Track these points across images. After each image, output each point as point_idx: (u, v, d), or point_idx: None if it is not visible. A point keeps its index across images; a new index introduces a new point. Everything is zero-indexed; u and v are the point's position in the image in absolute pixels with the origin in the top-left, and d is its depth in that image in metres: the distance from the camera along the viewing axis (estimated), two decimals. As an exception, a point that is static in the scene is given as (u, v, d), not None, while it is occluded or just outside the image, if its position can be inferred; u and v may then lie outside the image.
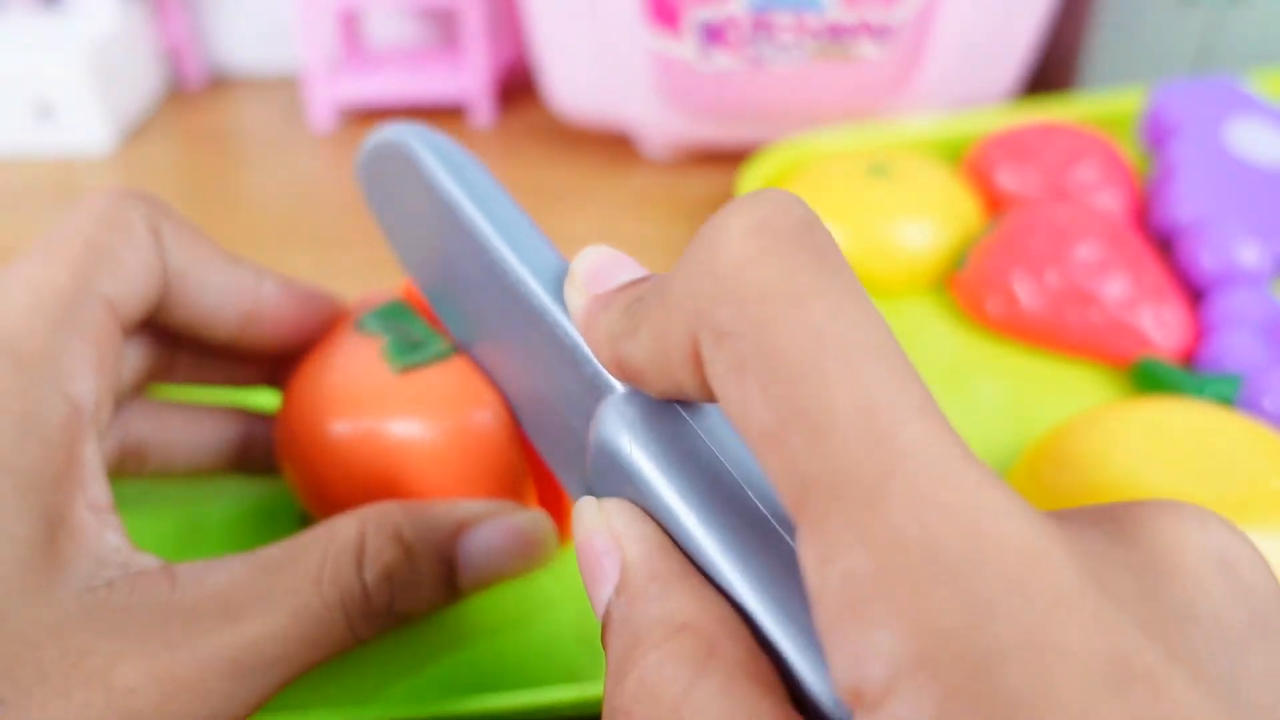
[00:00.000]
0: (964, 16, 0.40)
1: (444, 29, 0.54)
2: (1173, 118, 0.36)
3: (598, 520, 0.15)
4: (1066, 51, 0.46)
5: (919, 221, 0.35)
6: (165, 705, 0.16)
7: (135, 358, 0.23)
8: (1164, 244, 0.34)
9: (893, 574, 0.11)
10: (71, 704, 0.16)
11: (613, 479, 0.16)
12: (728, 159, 0.45)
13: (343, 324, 0.24)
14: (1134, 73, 0.45)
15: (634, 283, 0.16)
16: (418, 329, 0.23)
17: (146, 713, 0.16)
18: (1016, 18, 0.42)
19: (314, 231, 0.41)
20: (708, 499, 0.14)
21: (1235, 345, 0.29)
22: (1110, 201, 0.36)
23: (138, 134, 0.49)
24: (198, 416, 0.24)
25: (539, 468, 0.23)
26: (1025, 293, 0.32)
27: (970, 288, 0.34)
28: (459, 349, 0.22)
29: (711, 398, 0.14)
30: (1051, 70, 0.48)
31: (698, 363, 0.13)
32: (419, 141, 0.20)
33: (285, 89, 0.53)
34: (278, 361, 0.25)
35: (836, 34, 0.40)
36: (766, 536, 0.14)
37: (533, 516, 0.21)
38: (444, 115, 0.50)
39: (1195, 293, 0.32)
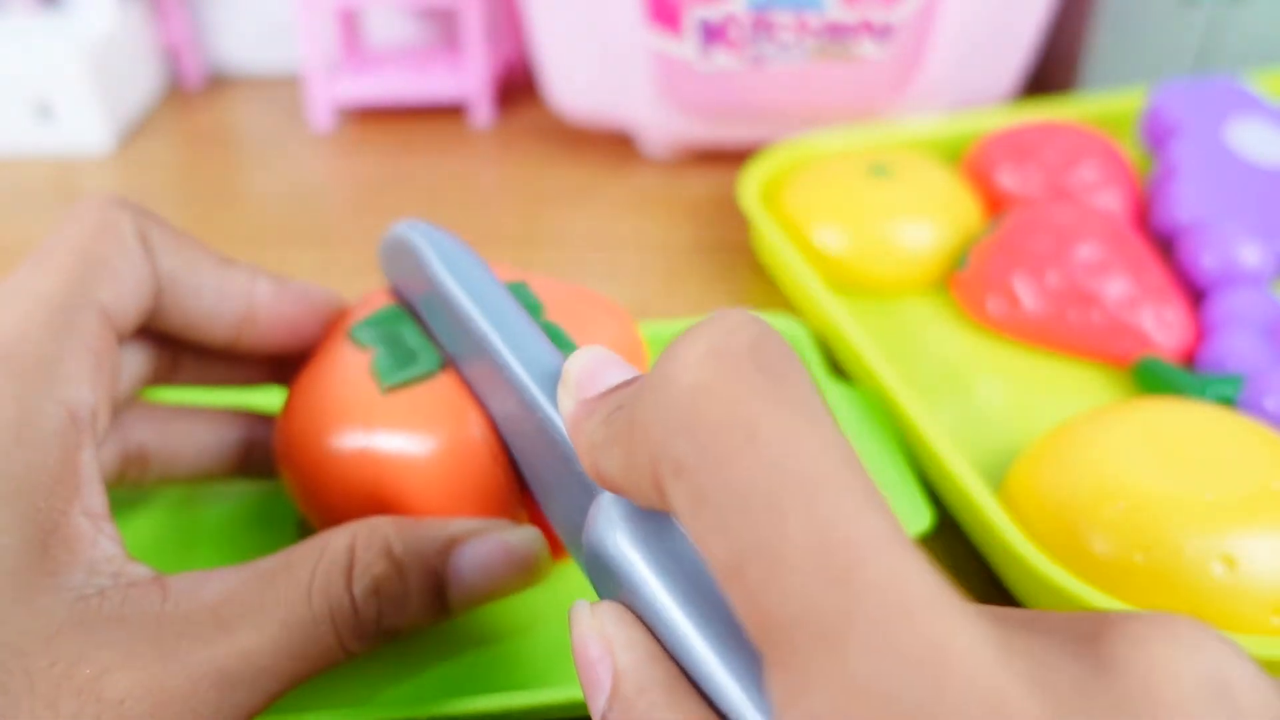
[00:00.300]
0: (964, 16, 0.40)
1: (444, 28, 0.54)
2: (1173, 117, 0.36)
3: (591, 625, 0.15)
4: (1067, 51, 0.46)
5: (919, 221, 0.35)
6: (156, 715, 0.16)
7: (135, 362, 0.23)
8: (1165, 244, 0.34)
9: None
10: (60, 715, 0.16)
11: (606, 579, 0.16)
12: (728, 159, 0.45)
13: (339, 330, 0.24)
14: (1135, 73, 0.45)
15: (619, 387, 0.16)
16: (410, 338, 0.22)
17: None
18: (1017, 17, 0.42)
19: (314, 231, 0.41)
20: (697, 606, 0.14)
21: (1236, 345, 0.29)
22: (1111, 201, 0.36)
23: (137, 134, 0.49)
24: (199, 421, 0.24)
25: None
26: (1026, 293, 0.32)
27: (971, 288, 0.33)
28: (448, 363, 0.22)
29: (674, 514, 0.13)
30: (1052, 70, 0.48)
31: (662, 490, 0.13)
32: (422, 239, 0.22)
33: (285, 88, 0.53)
34: (282, 360, 0.25)
35: (837, 33, 0.40)
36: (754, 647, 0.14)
37: (525, 534, 0.20)
38: (444, 115, 0.50)
39: (1196, 293, 0.32)
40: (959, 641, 0.11)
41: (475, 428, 0.21)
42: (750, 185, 0.38)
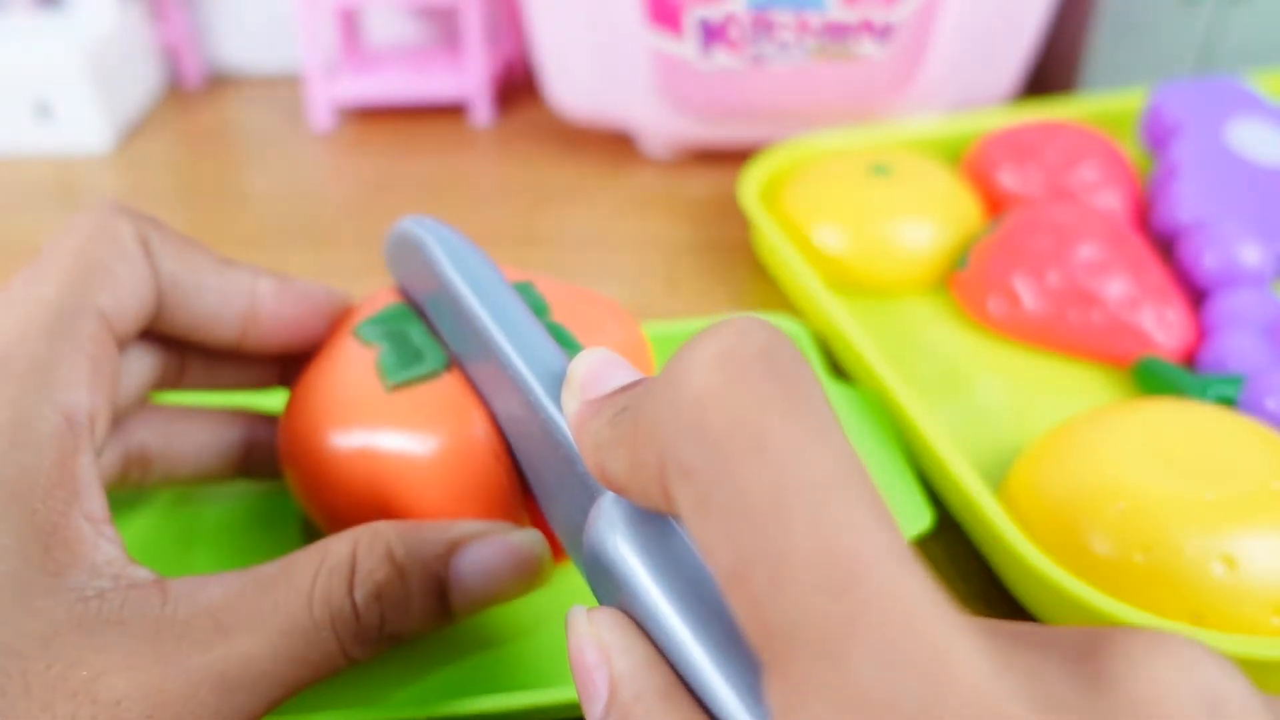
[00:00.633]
0: (965, 16, 0.40)
1: (444, 28, 0.54)
2: (1174, 117, 0.36)
3: (587, 631, 0.15)
4: (1067, 51, 0.46)
5: (919, 221, 0.35)
6: (153, 718, 0.16)
7: (139, 367, 0.23)
8: (1165, 244, 0.34)
9: None
10: (56, 716, 0.16)
11: (605, 582, 0.16)
12: (728, 159, 0.45)
13: (344, 328, 0.24)
14: (1135, 73, 0.45)
15: (625, 388, 0.16)
16: (416, 336, 0.22)
17: None
18: (1017, 17, 0.42)
19: (314, 231, 0.41)
20: (696, 612, 0.14)
21: (1237, 346, 0.29)
22: (1112, 201, 0.36)
23: (137, 133, 0.49)
24: (201, 421, 0.24)
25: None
26: (1026, 293, 0.32)
27: (971, 288, 0.33)
28: (454, 362, 0.22)
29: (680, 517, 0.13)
30: (1052, 70, 0.48)
31: (668, 492, 0.13)
32: (429, 235, 0.21)
33: (285, 88, 0.53)
34: (288, 362, 0.25)
35: (837, 33, 0.40)
36: (752, 653, 0.14)
37: (527, 536, 0.20)
38: (444, 114, 0.50)
39: (1197, 293, 0.32)
40: (959, 654, 0.11)
41: (479, 428, 0.21)
42: (750, 185, 0.37)
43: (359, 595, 0.18)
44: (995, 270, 0.33)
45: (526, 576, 0.20)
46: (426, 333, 0.23)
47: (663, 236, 0.41)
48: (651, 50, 0.40)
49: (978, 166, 0.38)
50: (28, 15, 0.48)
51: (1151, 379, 0.30)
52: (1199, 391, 0.28)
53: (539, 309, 0.23)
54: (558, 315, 0.23)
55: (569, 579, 0.24)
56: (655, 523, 0.15)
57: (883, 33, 0.40)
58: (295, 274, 0.38)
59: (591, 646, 0.15)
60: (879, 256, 0.35)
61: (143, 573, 0.18)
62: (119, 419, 0.23)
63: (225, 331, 0.22)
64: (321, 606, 0.18)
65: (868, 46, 0.40)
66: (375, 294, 0.24)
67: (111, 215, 0.21)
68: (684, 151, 0.46)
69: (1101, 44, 0.45)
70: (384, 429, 0.21)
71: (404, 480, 0.21)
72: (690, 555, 0.15)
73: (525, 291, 0.23)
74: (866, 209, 0.35)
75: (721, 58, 0.40)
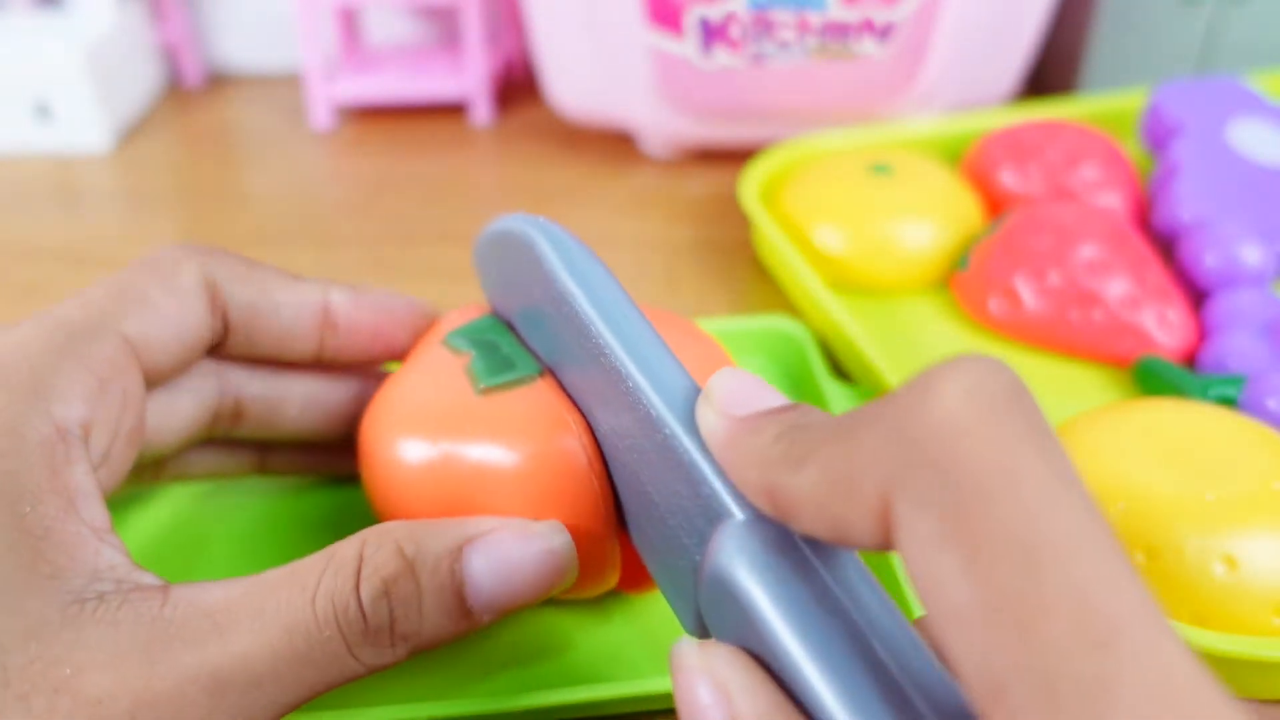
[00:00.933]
0: (965, 15, 0.40)
1: (444, 28, 0.54)
2: (1175, 117, 0.36)
3: (700, 665, 0.14)
4: (1068, 51, 0.46)
5: (920, 221, 0.35)
6: (135, 716, 0.16)
7: (200, 395, 0.23)
8: (1166, 244, 0.34)
9: None
10: (31, 709, 0.16)
11: (726, 612, 0.15)
12: (728, 159, 0.45)
13: (432, 338, 0.23)
14: (1136, 73, 0.45)
15: (781, 409, 0.15)
16: (506, 346, 0.22)
17: None
18: (1018, 17, 0.42)
19: (314, 231, 0.41)
20: (834, 652, 0.13)
21: (1238, 346, 0.29)
22: (1112, 201, 0.36)
23: (136, 133, 0.49)
24: (308, 377, 0.24)
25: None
26: (1027, 293, 0.32)
27: (972, 288, 0.33)
28: (547, 372, 0.21)
29: (880, 547, 0.13)
30: (1053, 70, 0.48)
31: (883, 519, 0.13)
32: (542, 235, 0.20)
33: (284, 87, 0.53)
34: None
35: (837, 32, 0.40)
36: (898, 702, 0.13)
37: (545, 527, 0.19)
38: (444, 114, 0.50)
39: (1197, 293, 0.32)
40: None
41: (572, 437, 0.20)
42: (750, 185, 0.37)
43: (365, 592, 0.17)
44: (996, 270, 0.33)
45: (547, 573, 0.19)
46: (517, 343, 0.22)
47: (663, 236, 0.40)
48: (651, 50, 0.40)
49: (978, 166, 0.38)
50: (27, 15, 0.48)
51: (1152, 379, 0.30)
52: (1200, 392, 0.28)
53: None
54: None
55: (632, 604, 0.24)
56: (792, 552, 0.15)
57: (883, 32, 0.40)
58: (295, 273, 0.38)
59: (706, 684, 0.14)
60: (879, 256, 0.35)
61: (147, 578, 0.18)
62: (135, 440, 0.23)
63: (304, 344, 0.23)
64: (325, 603, 0.17)
65: (868, 46, 0.40)
66: (463, 307, 0.24)
67: (173, 252, 0.22)
68: (684, 151, 0.46)
69: (1102, 44, 0.45)
70: (472, 434, 0.20)
71: (490, 488, 0.20)
72: (831, 591, 0.14)
73: None
74: (867, 209, 0.35)
75: (722, 57, 0.40)
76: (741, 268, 0.38)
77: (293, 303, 0.23)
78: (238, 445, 0.25)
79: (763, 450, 0.15)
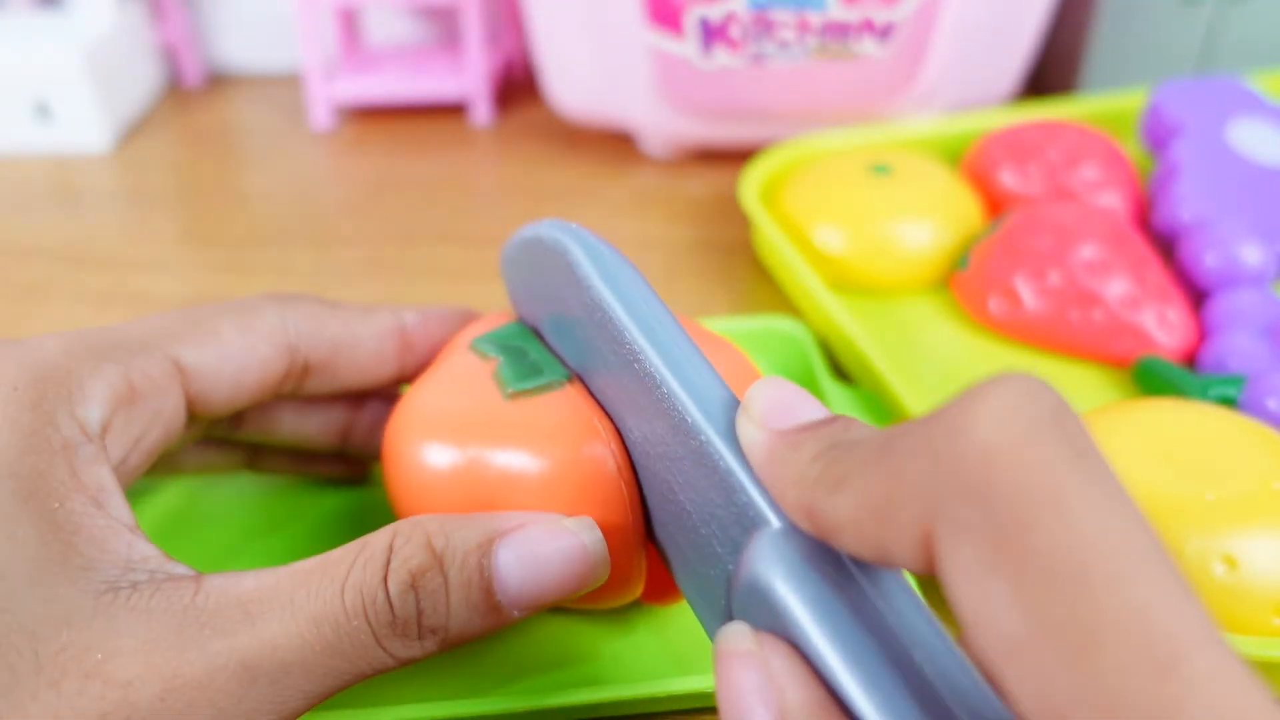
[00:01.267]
0: (965, 15, 0.40)
1: (444, 28, 0.54)
2: (1175, 117, 0.36)
3: (752, 651, 0.14)
4: (1068, 51, 0.46)
5: (920, 221, 0.35)
6: (166, 700, 0.16)
7: (321, 418, 0.25)
8: (1166, 244, 0.34)
9: None
10: (62, 694, 0.16)
11: (762, 620, 0.15)
12: (728, 158, 0.45)
13: (459, 343, 0.23)
14: (1136, 73, 0.45)
15: (822, 423, 0.15)
16: (534, 352, 0.22)
17: (144, 706, 0.16)
18: (1018, 17, 0.42)
19: (314, 231, 0.41)
20: (871, 660, 0.13)
21: (1238, 346, 0.29)
22: (1112, 201, 0.36)
23: (136, 133, 0.49)
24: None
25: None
26: (1027, 293, 0.32)
27: (972, 288, 0.33)
28: (575, 378, 0.21)
29: (924, 571, 0.13)
30: (1053, 70, 0.48)
31: (925, 547, 0.12)
32: (574, 241, 0.20)
33: (284, 87, 0.53)
34: None
35: (837, 32, 0.40)
36: (939, 712, 0.13)
37: (576, 524, 0.19)
38: (444, 114, 0.50)
39: (1198, 293, 0.32)
40: None
41: (602, 445, 0.20)
42: (751, 185, 0.37)
43: (393, 584, 0.17)
44: (996, 270, 0.33)
45: (577, 569, 0.19)
46: (545, 349, 0.22)
47: (663, 236, 0.40)
48: (651, 50, 0.40)
49: (978, 166, 0.38)
50: (27, 15, 0.48)
51: (1152, 379, 0.30)
52: (1200, 392, 0.28)
53: None
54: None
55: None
56: (832, 562, 0.14)
57: (883, 32, 0.40)
58: (295, 273, 0.38)
59: (756, 669, 0.14)
60: (879, 256, 0.35)
61: (180, 568, 0.18)
62: (166, 460, 0.23)
63: (387, 369, 0.24)
64: (354, 594, 0.17)
65: (868, 46, 0.40)
66: (490, 314, 0.24)
67: (257, 299, 0.23)
68: (684, 151, 0.46)
69: (1102, 44, 0.44)
70: (499, 440, 0.20)
71: (518, 493, 0.20)
72: (872, 605, 0.14)
73: None
74: (867, 209, 0.35)
75: (722, 57, 0.40)
76: (741, 268, 0.38)
77: (373, 334, 0.23)
78: (230, 444, 0.26)
79: (801, 469, 0.14)
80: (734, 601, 0.16)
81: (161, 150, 0.48)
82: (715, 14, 0.39)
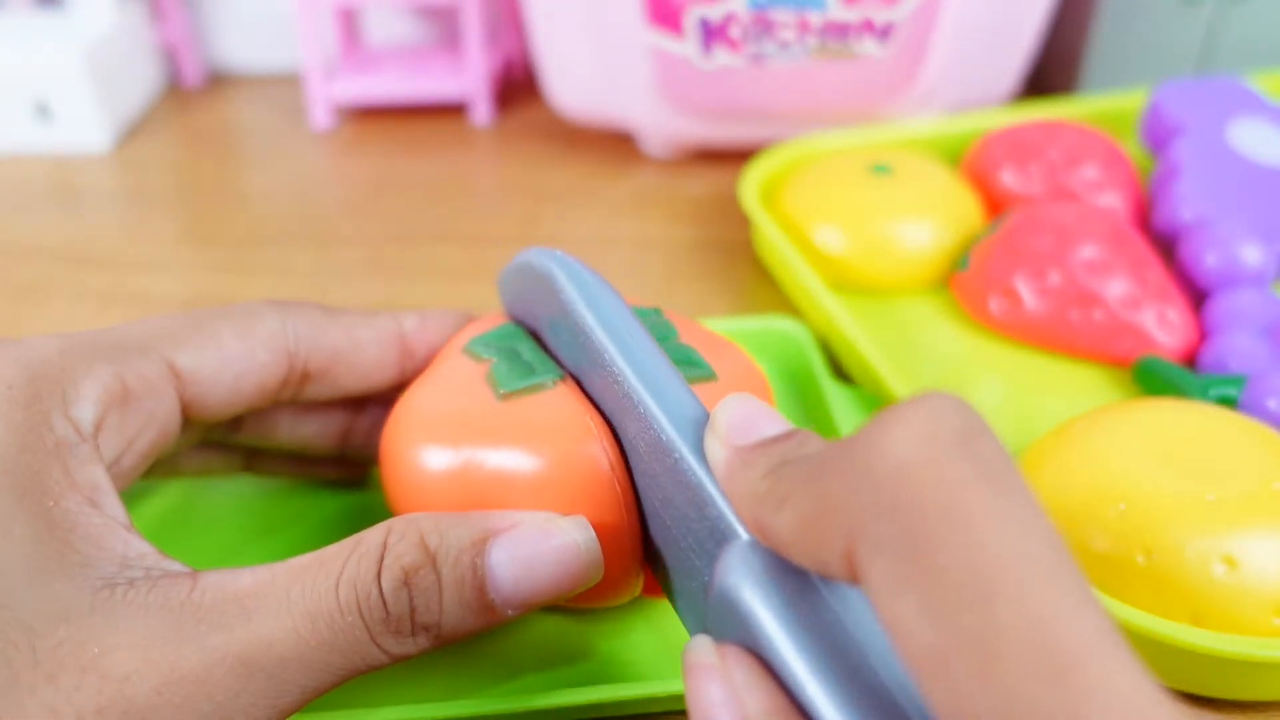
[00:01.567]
0: (965, 15, 0.40)
1: (443, 27, 0.54)
2: (1175, 117, 0.36)
3: (714, 664, 0.15)
4: (1068, 52, 0.46)
5: (920, 221, 0.35)
6: (163, 694, 0.16)
7: (321, 421, 0.25)
8: (1167, 244, 0.34)
9: None
10: (59, 688, 0.16)
11: (732, 629, 0.15)
12: (728, 158, 0.45)
13: (453, 346, 0.23)
14: (1136, 73, 0.45)
15: (776, 439, 0.16)
16: (527, 352, 0.22)
17: (141, 700, 0.16)
18: (1018, 17, 0.42)
19: (314, 230, 0.41)
20: (832, 667, 0.14)
21: (1238, 346, 0.29)
22: (1113, 201, 0.36)
23: (136, 132, 0.49)
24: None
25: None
26: (1027, 293, 0.32)
27: (972, 288, 0.33)
28: (568, 377, 0.21)
29: (856, 585, 0.13)
30: (1053, 71, 0.48)
31: (850, 562, 0.13)
32: (558, 266, 0.21)
33: (284, 87, 0.53)
34: None
35: (838, 32, 0.40)
36: (894, 715, 0.13)
37: (569, 523, 0.19)
38: (444, 114, 0.50)
39: (1198, 293, 0.32)
40: None
41: (594, 442, 0.20)
42: (751, 185, 0.37)
43: (386, 580, 0.18)
44: (996, 270, 0.33)
45: (570, 568, 0.19)
46: (538, 349, 0.22)
47: (663, 236, 0.40)
48: (651, 50, 0.40)
49: (978, 166, 0.38)
50: (27, 15, 0.48)
51: (1152, 379, 0.30)
52: (1200, 392, 0.28)
53: (665, 334, 0.23)
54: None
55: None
56: (795, 573, 0.15)
57: (883, 32, 0.40)
58: (295, 273, 0.38)
59: (719, 681, 0.14)
60: (879, 256, 0.35)
61: (177, 566, 0.18)
62: (156, 460, 0.23)
63: (388, 374, 0.24)
64: (348, 590, 0.17)
65: (868, 46, 0.40)
66: (485, 317, 0.24)
67: (257, 304, 0.23)
68: (684, 151, 0.46)
69: (1102, 44, 0.44)
70: (493, 440, 0.20)
71: (513, 493, 0.20)
72: (834, 615, 0.14)
73: (650, 317, 0.23)
74: (867, 209, 0.35)
75: (722, 57, 0.40)
76: (741, 268, 0.38)
77: (374, 339, 0.23)
78: (229, 447, 0.26)
79: (753, 485, 0.15)
80: (708, 612, 0.16)
81: (161, 150, 0.48)
82: (715, 14, 0.39)
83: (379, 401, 0.26)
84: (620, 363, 0.19)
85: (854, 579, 0.13)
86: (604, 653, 0.23)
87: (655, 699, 0.21)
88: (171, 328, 0.21)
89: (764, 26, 0.39)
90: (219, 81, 0.54)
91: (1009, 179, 0.37)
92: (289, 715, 0.18)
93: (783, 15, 0.39)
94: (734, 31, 0.40)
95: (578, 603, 0.21)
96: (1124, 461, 0.24)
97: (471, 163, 0.46)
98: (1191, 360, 0.31)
